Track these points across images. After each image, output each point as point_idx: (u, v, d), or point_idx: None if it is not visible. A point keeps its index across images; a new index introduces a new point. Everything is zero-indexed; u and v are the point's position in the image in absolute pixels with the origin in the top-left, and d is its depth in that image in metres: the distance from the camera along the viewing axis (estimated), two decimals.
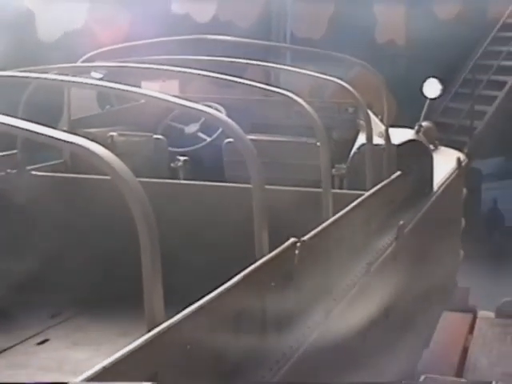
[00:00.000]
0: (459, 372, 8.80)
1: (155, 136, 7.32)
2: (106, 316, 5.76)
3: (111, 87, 5.22)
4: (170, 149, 7.45)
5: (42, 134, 3.62)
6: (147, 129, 7.47)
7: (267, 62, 6.97)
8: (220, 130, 7.27)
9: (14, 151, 6.59)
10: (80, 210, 6.26)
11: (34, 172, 6.69)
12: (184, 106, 5.00)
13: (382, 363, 5.95)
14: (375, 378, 5.76)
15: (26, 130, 3.64)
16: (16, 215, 6.16)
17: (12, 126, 3.64)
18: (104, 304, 5.76)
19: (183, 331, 3.48)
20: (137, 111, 7.83)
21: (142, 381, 3.28)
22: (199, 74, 5.81)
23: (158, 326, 3.35)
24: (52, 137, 3.68)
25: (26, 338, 5.73)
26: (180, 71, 5.89)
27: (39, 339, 5.78)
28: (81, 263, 6.12)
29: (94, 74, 6.55)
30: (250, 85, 5.84)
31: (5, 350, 5.50)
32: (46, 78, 5.37)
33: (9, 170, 6.55)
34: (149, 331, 3.31)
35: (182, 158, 7.57)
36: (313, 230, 4.79)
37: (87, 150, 3.49)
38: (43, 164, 6.82)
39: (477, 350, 9.79)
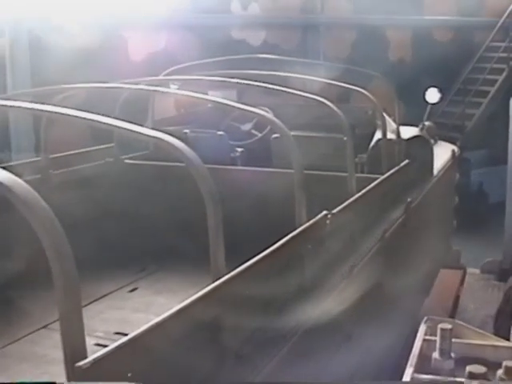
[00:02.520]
0: (452, 314, 8.75)
1: (219, 132, 7.31)
2: (181, 271, 5.78)
3: (186, 95, 5.22)
4: (230, 142, 7.44)
5: (134, 131, 3.62)
6: (212, 127, 7.46)
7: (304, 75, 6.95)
8: (269, 127, 7.24)
9: (112, 144, 6.62)
10: (161, 189, 6.27)
11: (126, 160, 6.72)
12: (241, 108, 4.99)
13: (394, 308, 5.92)
14: (391, 320, 5.72)
15: (121, 127, 3.64)
16: (114, 193, 6.18)
17: (111, 124, 3.64)
18: (179, 262, 5.78)
19: (241, 281, 3.48)
20: (205, 113, 7.82)
21: (207, 320, 3.28)
22: (252, 85, 5.79)
23: (220, 278, 3.34)
24: (141, 133, 3.68)
25: (121, 287, 5.76)
26: (238, 82, 5.87)
27: (131, 287, 5.81)
28: (162, 231, 6.13)
29: (172, 85, 6.54)
30: (291, 92, 5.81)
31: (105, 295, 5.53)
32: (136, 88, 5.39)
33: (107, 159, 6.58)
34: (213, 282, 3.31)
35: (239, 150, 7.57)
36: (340, 205, 4.77)
37: (168, 143, 3.49)
38: (133, 154, 6.83)
39: (466, 298, 9.76)
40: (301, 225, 4.24)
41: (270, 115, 5.00)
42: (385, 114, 6.78)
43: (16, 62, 9.99)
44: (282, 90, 5.81)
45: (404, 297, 6.25)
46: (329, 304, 4.45)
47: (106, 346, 2.61)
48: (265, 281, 3.74)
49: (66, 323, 2.49)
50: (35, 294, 4.86)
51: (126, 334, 2.78)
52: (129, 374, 2.66)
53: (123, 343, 2.69)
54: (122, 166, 6.62)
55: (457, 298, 9.46)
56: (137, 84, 5.51)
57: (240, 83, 5.90)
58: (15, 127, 9.91)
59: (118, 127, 3.64)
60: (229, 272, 3.39)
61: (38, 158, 5.95)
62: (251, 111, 4.93)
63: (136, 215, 6.20)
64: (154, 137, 3.60)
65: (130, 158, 6.76)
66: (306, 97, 5.76)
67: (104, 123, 3.60)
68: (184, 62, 7.69)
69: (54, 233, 2.47)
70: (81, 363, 2.45)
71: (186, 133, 7.10)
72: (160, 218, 6.21)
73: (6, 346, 4.71)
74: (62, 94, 5.52)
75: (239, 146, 7.61)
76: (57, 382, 2.45)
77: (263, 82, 5.80)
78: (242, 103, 5.19)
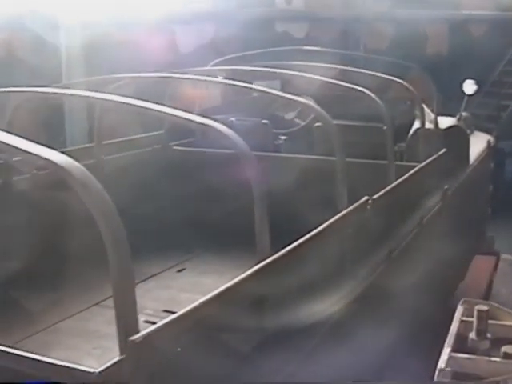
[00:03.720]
0: (486, 298, 8.68)
1: (263, 121, 7.30)
2: (226, 253, 5.78)
3: (232, 84, 5.22)
4: (274, 130, 7.42)
5: (185, 118, 3.64)
6: (257, 116, 7.45)
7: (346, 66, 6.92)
8: (311, 116, 7.22)
9: (160, 132, 6.65)
10: (207, 175, 6.27)
11: (174, 147, 6.74)
12: (286, 97, 4.99)
13: (430, 292, 5.89)
14: (427, 303, 5.69)
15: (173, 114, 3.65)
16: (162, 179, 6.21)
17: (162, 111, 3.66)
18: (225, 245, 5.78)
19: (285, 263, 3.48)
20: (250, 103, 7.81)
21: (251, 301, 3.29)
22: (295, 75, 5.78)
23: (265, 259, 3.35)
24: (192, 120, 3.70)
25: (169, 267, 5.80)
26: (281, 73, 5.87)
27: (178, 268, 5.85)
28: (208, 215, 6.14)
29: (219, 76, 6.55)
30: (333, 83, 5.79)
31: (155, 274, 5.57)
32: (185, 78, 5.41)
33: (156, 146, 6.61)
34: (258, 263, 3.31)
35: (282, 137, 7.56)
36: (380, 191, 4.75)
37: (218, 130, 3.50)
38: (181, 141, 6.84)
39: (499, 283, 9.67)
40: (342, 210, 4.23)
41: (313, 104, 4.97)
42: (423, 105, 6.74)
43: (71, 53, 10.05)
44: (324, 81, 5.79)
45: (439, 283, 6.22)
46: (368, 287, 4.44)
47: (154, 323, 2.64)
48: (307, 263, 3.74)
49: (120, 300, 2.51)
50: (87, 273, 4.91)
51: (174, 312, 2.80)
52: (178, 349, 2.69)
53: (173, 320, 2.72)
54: (170, 152, 6.65)
55: (490, 283, 9.37)
56: (185, 74, 5.52)
57: (283, 74, 5.90)
58: (70, 115, 10.00)
59: (170, 114, 3.65)
60: (273, 254, 3.40)
61: (91, 145, 6.00)
62: (295, 100, 4.93)
63: (183, 200, 6.22)
64: (204, 124, 3.61)
65: (178, 145, 6.78)
66: (348, 87, 5.73)
67: (156, 110, 3.61)
68: (230, 54, 7.69)
69: (109, 214, 2.50)
70: (134, 337, 2.48)
71: (231, 121, 7.10)
72: (206, 202, 6.23)
73: (59, 322, 4.77)
74: (114, 83, 5.55)
75: (283, 134, 7.59)
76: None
77: (306, 73, 5.79)
78: (286, 93, 5.18)
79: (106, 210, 2.48)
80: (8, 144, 2.75)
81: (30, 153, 2.65)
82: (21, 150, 2.68)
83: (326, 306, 3.93)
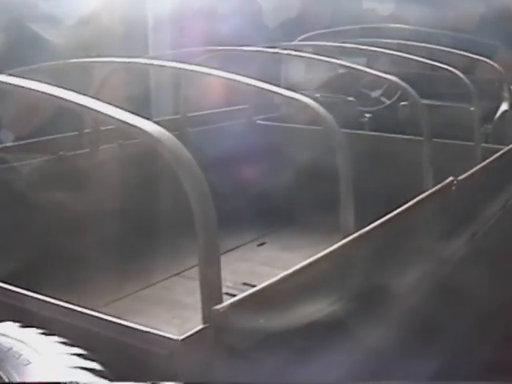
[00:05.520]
0: None
1: (348, 98, 7.25)
2: (307, 229, 5.77)
3: (319, 59, 5.20)
4: (359, 108, 7.38)
5: (274, 91, 3.64)
6: (342, 92, 7.40)
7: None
8: (397, 95, 7.15)
9: (245, 105, 6.66)
10: (292, 150, 6.25)
11: (259, 121, 6.74)
12: (374, 74, 4.96)
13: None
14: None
15: (261, 87, 3.65)
16: (247, 153, 6.20)
17: (252, 84, 3.67)
18: (306, 221, 5.78)
19: (368, 241, 3.47)
20: (335, 79, 7.77)
21: (334, 275, 3.29)
22: (383, 52, 5.73)
23: (349, 235, 3.34)
24: (278, 92, 3.69)
25: (250, 241, 5.84)
26: (369, 50, 5.83)
27: (259, 242, 5.88)
28: (290, 189, 6.13)
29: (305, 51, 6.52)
30: (421, 61, 5.72)
31: (234, 248, 5.61)
32: (271, 52, 5.41)
33: (241, 120, 6.62)
34: (343, 239, 3.31)
35: (367, 115, 7.51)
36: (465, 172, 4.69)
37: (307, 104, 3.49)
38: (267, 115, 6.83)
39: None
40: (427, 190, 4.19)
41: (401, 82, 4.92)
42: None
43: (157, 25, 10.12)
44: (411, 59, 5.73)
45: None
46: (449, 269, 4.40)
47: (234, 296, 2.66)
48: (391, 241, 3.72)
49: (205, 270, 2.54)
50: (170, 242, 4.98)
51: (253, 285, 2.82)
52: (261, 320, 2.71)
53: (256, 292, 2.74)
54: (255, 126, 6.66)
55: None
56: (275, 48, 5.52)
57: (371, 50, 5.85)
58: (156, 87, 10.08)
59: (257, 87, 3.66)
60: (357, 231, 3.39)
61: (177, 116, 6.05)
62: (383, 77, 4.89)
63: (266, 174, 6.22)
64: (293, 97, 3.60)
65: (263, 120, 6.78)
66: (436, 66, 5.66)
67: (243, 82, 3.62)
68: (316, 30, 7.66)
69: (199, 186, 2.52)
70: (218, 307, 2.50)
71: (316, 97, 7.07)
72: (289, 177, 6.22)
73: (140, 290, 4.85)
74: (201, 56, 5.57)
75: (368, 112, 7.54)
76: None
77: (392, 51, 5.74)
78: (373, 70, 5.15)
79: (196, 180, 2.51)
80: (100, 112, 2.80)
81: (121, 121, 2.69)
82: (112, 117, 2.73)
83: (406, 287, 3.90)
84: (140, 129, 2.62)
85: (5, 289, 2.78)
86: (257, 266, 5.32)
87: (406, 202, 3.88)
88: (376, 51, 5.71)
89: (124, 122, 2.68)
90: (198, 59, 5.48)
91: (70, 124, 5.29)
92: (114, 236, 4.83)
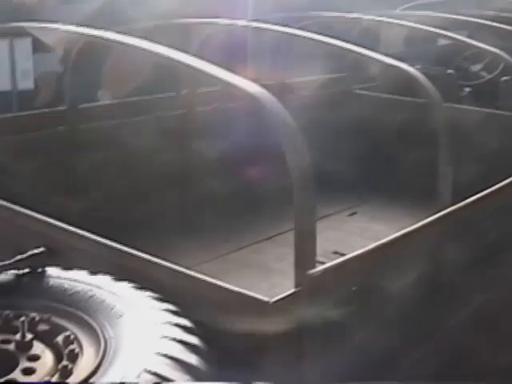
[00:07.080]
0: None
1: (448, 71, 7.12)
2: (399, 201, 5.69)
3: (423, 30, 5.10)
4: (459, 82, 7.24)
5: (370, 57, 3.58)
6: (442, 65, 7.26)
7: None
8: (499, 69, 6.98)
9: (344, 74, 6.59)
10: (387, 121, 6.13)
11: (357, 91, 6.66)
12: (478, 47, 4.85)
13: None
14: None
15: (359, 53, 3.61)
16: (343, 122, 6.15)
17: (351, 50, 3.63)
18: (398, 193, 5.71)
19: (463, 216, 3.41)
20: (435, 51, 7.64)
21: (425, 250, 3.24)
22: (487, 25, 5.60)
23: (444, 209, 3.29)
24: (378, 59, 3.64)
25: (341, 210, 5.81)
26: (473, 22, 5.72)
27: (349, 212, 5.85)
28: (379, 161, 6.05)
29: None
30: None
31: (326, 216, 5.58)
32: (373, 20, 5.33)
33: (336, 88, 6.56)
34: (437, 212, 3.26)
35: (467, 89, 7.37)
36: None
37: (407, 73, 3.45)
38: (365, 85, 6.74)
39: None
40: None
41: (506, 55, 4.81)
42: None
43: None
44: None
45: None
46: None
47: (323, 263, 2.65)
48: (486, 219, 3.65)
49: (301, 234, 2.54)
50: (261, 207, 4.99)
51: (343, 254, 2.81)
52: (353, 288, 2.70)
53: (348, 259, 2.73)
54: (351, 95, 6.58)
55: None
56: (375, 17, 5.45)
57: (475, 22, 5.72)
58: (253, 51, 10.04)
59: (361, 54, 3.61)
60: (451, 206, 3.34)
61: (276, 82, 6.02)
62: (486, 50, 4.79)
63: (360, 145, 6.16)
64: (398, 67, 3.55)
65: (362, 89, 6.69)
66: (484, 49, 5.47)
67: (347, 49, 3.59)
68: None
69: (299, 150, 2.52)
70: (311, 271, 2.50)
71: (418, 68, 6.95)
72: (384, 149, 6.14)
73: (230, 253, 4.88)
74: (302, 21, 5.53)
75: (467, 86, 7.40)
76: None
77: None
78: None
79: (297, 145, 2.51)
80: (202, 71, 2.81)
81: (223, 81, 2.70)
82: (214, 77, 2.74)
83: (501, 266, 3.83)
84: (243, 90, 2.62)
85: (105, 244, 2.84)
86: (347, 235, 5.29)
87: (500, 181, 3.79)
88: (478, 23, 5.58)
89: (226, 81, 2.68)
90: (298, 25, 5.46)
91: (168, 85, 5.33)
92: (212, 195, 4.88)
